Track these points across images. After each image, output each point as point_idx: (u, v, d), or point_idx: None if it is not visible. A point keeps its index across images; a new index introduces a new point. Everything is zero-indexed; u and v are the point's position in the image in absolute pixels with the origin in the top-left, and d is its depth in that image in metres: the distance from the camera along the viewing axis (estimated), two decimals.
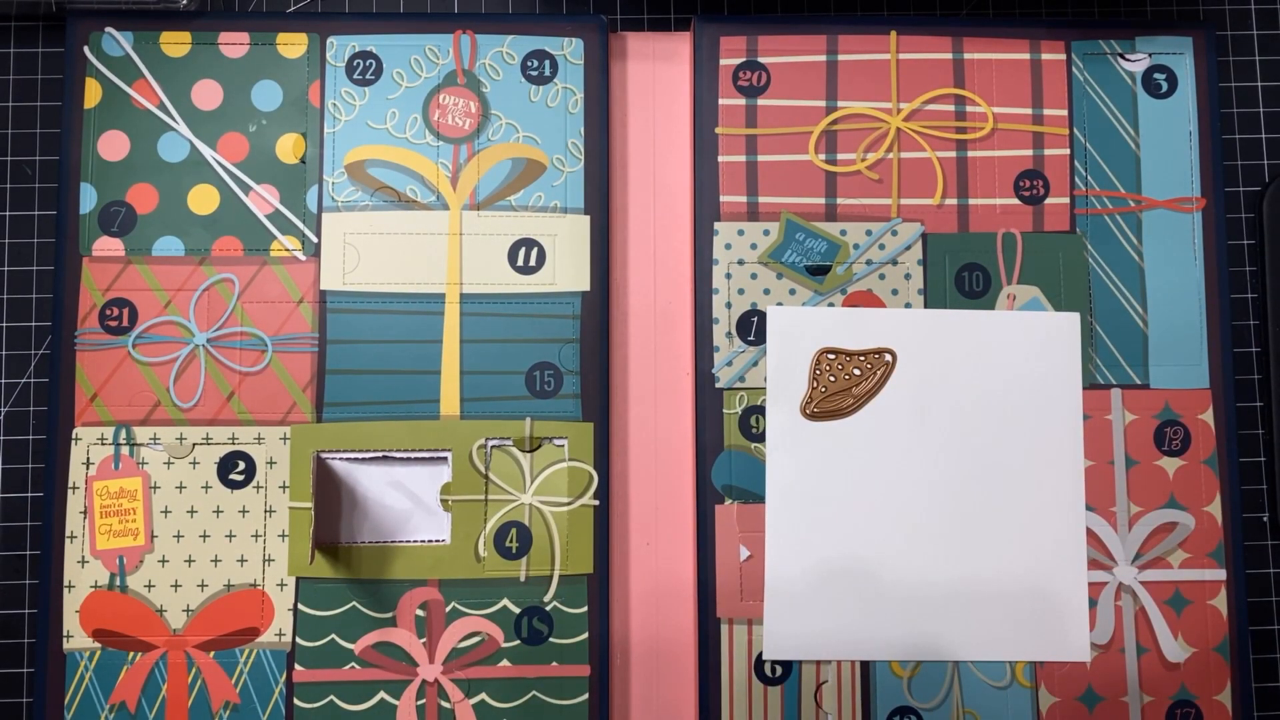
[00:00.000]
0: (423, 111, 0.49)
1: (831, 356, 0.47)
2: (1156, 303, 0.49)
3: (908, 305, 0.48)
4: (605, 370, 0.47)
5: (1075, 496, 0.47)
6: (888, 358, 0.47)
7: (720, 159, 0.49)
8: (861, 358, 0.47)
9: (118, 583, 0.46)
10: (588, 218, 0.48)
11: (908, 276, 0.48)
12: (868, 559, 0.47)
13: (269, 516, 0.46)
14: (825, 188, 0.49)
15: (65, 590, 0.46)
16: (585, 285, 0.48)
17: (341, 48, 0.49)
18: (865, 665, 0.46)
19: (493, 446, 0.47)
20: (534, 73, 0.49)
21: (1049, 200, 0.49)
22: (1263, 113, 0.51)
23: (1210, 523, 0.48)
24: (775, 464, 0.47)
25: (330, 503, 0.47)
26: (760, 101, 0.49)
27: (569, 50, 0.49)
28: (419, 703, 0.46)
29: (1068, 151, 0.49)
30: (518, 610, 0.46)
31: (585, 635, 0.46)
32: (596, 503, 0.47)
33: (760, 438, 0.47)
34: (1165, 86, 0.50)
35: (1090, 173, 0.49)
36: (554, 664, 0.46)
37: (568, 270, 0.48)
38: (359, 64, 0.49)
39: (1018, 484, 0.47)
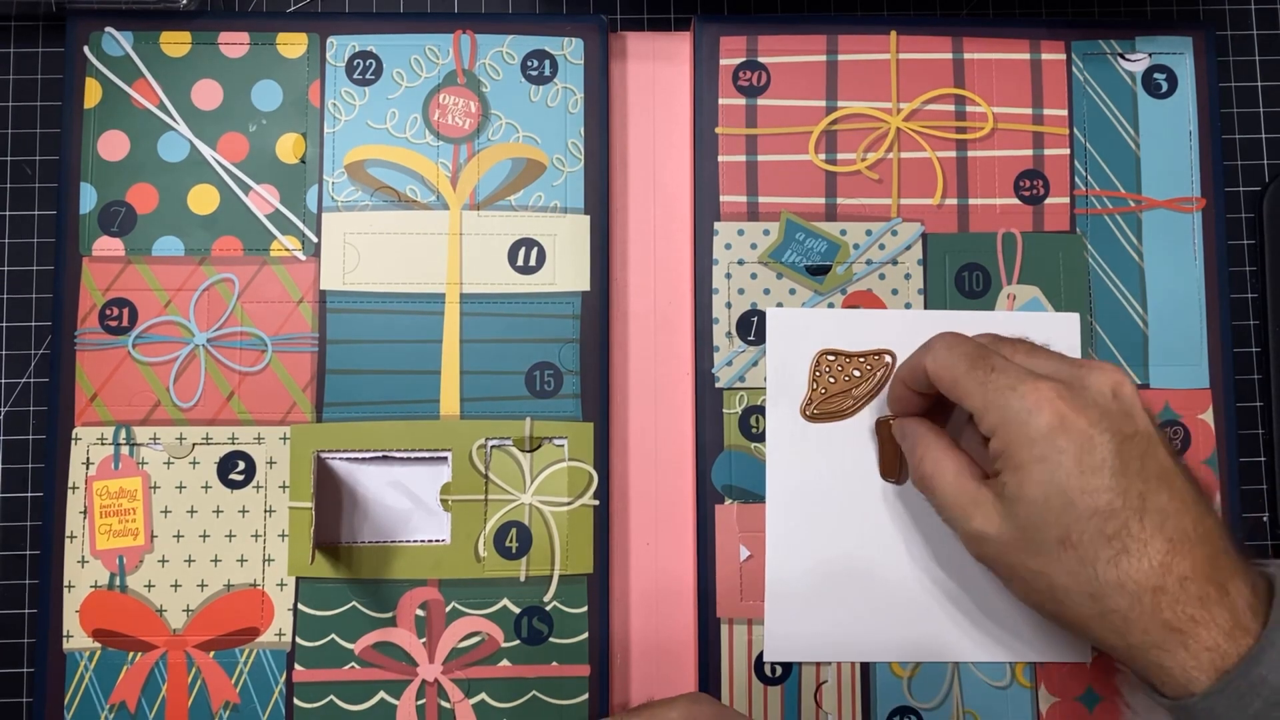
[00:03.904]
0: (423, 111, 0.49)
1: (831, 358, 0.47)
2: (1156, 303, 0.49)
3: (908, 305, 0.48)
4: (605, 370, 0.47)
5: None
6: (887, 359, 0.47)
7: (720, 159, 0.49)
8: (861, 359, 0.47)
9: (118, 583, 0.46)
10: (588, 218, 0.48)
11: (908, 276, 0.48)
12: (868, 559, 0.47)
13: (269, 516, 0.46)
14: (825, 188, 0.49)
15: (65, 590, 0.46)
16: (585, 285, 0.48)
17: (341, 48, 0.49)
18: (865, 665, 0.46)
19: (493, 446, 0.47)
20: (534, 73, 0.49)
21: (1049, 200, 0.49)
22: (1263, 113, 0.51)
23: None
24: (775, 464, 0.47)
25: (330, 503, 0.47)
26: (760, 101, 0.49)
27: (569, 50, 0.49)
28: (419, 703, 0.46)
29: (1068, 151, 0.49)
30: (518, 610, 0.46)
31: (585, 635, 0.46)
32: (596, 503, 0.47)
33: (760, 438, 0.47)
34: (1165, 86, 0.50)
35: (1090, 173, 0.49)
36: (554, 664, 0.46)
37: (568, 270, 0.48)
38: (359, 64, 0.49)
39: None
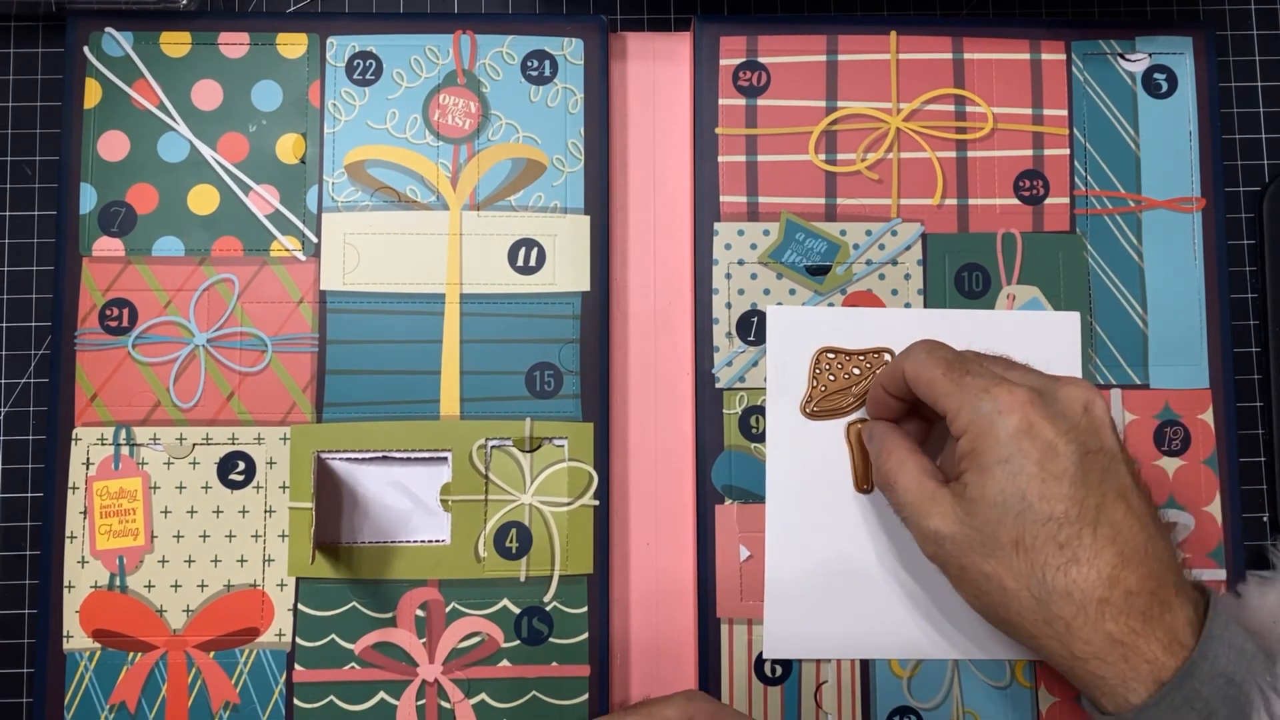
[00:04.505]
0: (423, 111, 0.49)
1: (831, 355, 0.47)
2: (1156, 303, 0.49)
3: (907, 305, 0.48)
4: (605, 370, 0.47)
5: None
6: (887, 357, 0.47)
7: (720, 159, 0.49)
8: (861, 357, 0.47)
9: (118, 583, 0.46)
10: (588, 218, 0.48)
11: (907, 276, 0.48)
12: (867, 558, 0.47)
13: (269, 517, 0.46)
14: (825, 188, 0.49)
15: (65, 590, 0.46)
16: (585, 285, 0.48)
17: (341, 48, 0.49)
18: (865, 665, 0.46)
19: (493, 447, 0.47)
20: (534, 73, 0.49)
21: (1049, 200, 0.49)
22: (1263, 113, 0.51)
23: (1210, 523, 0.48)
24: (775, 464, 0.47)
25: (330, 503, 0.47)
26: (760, 101, 0.49)
27: (569, 50, 0.49)
28: (419, 703, 0.46)
29: (1068, 151, 0.49)
30: (518, 610, 0.46)
31: (585, 635, 0.46)
32: (596, 503, 0.47)
33: (760, 438, 0.47)
34: (1165, 86, 0.50)
35: (1090, 173, 0.49)
36: (554, 664, 0.46)
37: (568, 270, 0.48)
38: (359, 64, 0.49)
39: None
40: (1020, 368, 0.41)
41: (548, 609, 0.46)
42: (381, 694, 0.46)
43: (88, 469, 0.46)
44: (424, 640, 0.46)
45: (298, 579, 0.46)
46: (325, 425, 0.47)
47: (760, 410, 0.47)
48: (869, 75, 0.49)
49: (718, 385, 0.48)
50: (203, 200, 0.48)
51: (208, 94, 0.48)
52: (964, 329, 0.48)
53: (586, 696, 0.46)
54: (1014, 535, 0.38)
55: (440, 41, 0.49)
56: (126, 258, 0.47)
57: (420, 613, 0.46)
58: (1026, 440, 0.38)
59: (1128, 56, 0.50)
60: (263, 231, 0.48)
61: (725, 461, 0.47)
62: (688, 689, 0.44)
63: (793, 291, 0.48)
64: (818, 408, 0.47)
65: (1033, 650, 0.39)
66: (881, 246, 0.49)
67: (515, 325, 0.48)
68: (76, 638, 0.46)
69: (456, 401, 0.47)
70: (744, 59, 0.49)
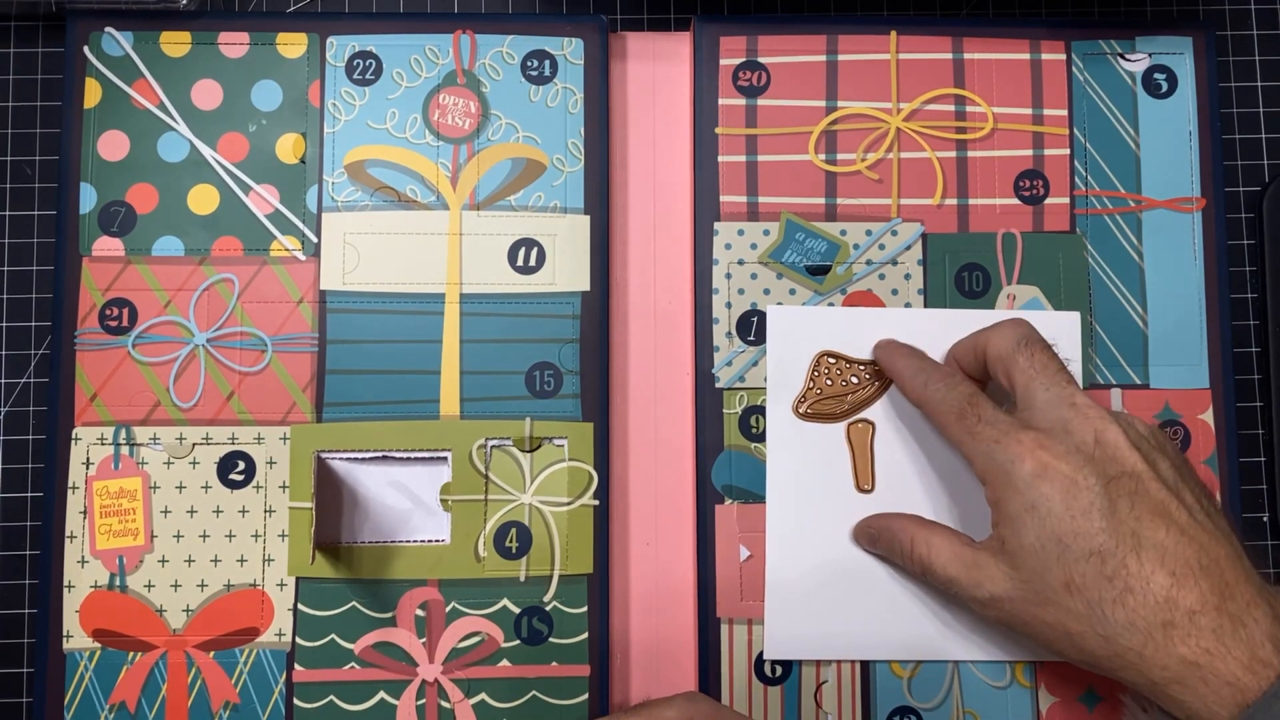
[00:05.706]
0: (423, 111, 0.49)
1: (832, 360, 0.47)
2: (1156, 303, 0.49)
3: (908, 305, 0.48)
4: (605, 370, 0.47)
5: None
6: None
7: (720, 159, 0.49)
8: (861, 367, 0.47)
9: (118, 583, 0.46)
10: (588, 218, 0.48)
11: (908, 276, 0.48)
12: (868, 559, 0.47)
13: (269, 516, 0.47)
14: (825, 188, 0.49)
15: (65, 590, 0.46)
16: (585, 285, 0.48)
17: (341, 48, 0.49)
18: (865, 665, 0.46)
19: (493, 446, 0.47)
20: (534, 73, 0.49)
21: (1049, 200, 0.49)
22: (1263, 113, 0.51)
23: None
24: (775, 464, 0.47)
25: (330, 503, 0.47)
26: (760, 101, 0.49)
27: (569, 50, 0.49)
28: (419, 703, 0.46)
29: (1068, 151, 0.49)
30: (518, 610, 0.46)
31: (585, 635, 0.46)
32: (596, 503, 0.47)
33: (760, 438, 0.47)
34: (1165, 86, 0.50)
35: (1090, 173, 0.49)
36: (554, 664, 0.46)
37: (568, 270, 0.48)
38: (359, 64, 0.49)
39: None
40: (1045, 377, 0.41)
41: (548, 609, 0.46)
42: (381, 694, 0.46)
43: (88, 469, 0.46)
44: (424, 640, 0.46)
45: (298, 579, 0.46)
46: (325, 425, 0.47)
47: (760, 410, 0.47)
48: (869, 75, 0.49)
49: (718, 385, 0.48)
50: (203, 200, 0.48)
51: (208, 94, 0.48)
52: (965, 329, 0.48)
53: (586, 696, 0.46)
54: (1063, 579, 0.38)
55: (440, 41, 0.49)
56: (126, 258, 0.47)
57: (420, 612, 0.46)
58: (1045, 483, 0.38)
59: (1128, 56, 0.50)
60: (263, 231, 0.48)
61: (725, 461, 0.47)
62: (688, 690, 0.44)
63: (793, 291, 0.48)
64: (810, 409, 0.47)
65: (1120, 681, 0.38)
66: (881, 246, 0.49)
67: (515, 325, 0.48)
68: (76, 638, 0.46)
69: (456, 401, 0.47)
70: (744, 59, 0.49)
